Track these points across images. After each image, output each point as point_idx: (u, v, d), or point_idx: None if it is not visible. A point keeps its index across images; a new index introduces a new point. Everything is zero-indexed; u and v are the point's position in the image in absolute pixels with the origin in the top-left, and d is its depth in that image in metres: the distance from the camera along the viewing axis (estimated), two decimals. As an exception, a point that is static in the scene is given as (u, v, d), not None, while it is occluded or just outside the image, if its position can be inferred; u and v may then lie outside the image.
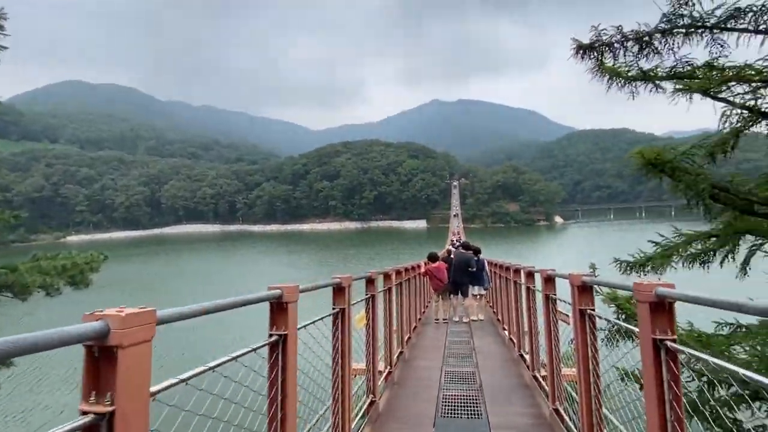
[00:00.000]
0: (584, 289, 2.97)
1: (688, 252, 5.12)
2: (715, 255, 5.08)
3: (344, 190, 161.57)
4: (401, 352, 6.41)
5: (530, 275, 5.42)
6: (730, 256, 5.04)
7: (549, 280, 4.32)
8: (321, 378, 3.05)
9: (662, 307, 1.85)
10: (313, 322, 2.65)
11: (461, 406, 4.52)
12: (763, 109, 4.58)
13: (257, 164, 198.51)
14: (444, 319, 9.85)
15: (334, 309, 3.27)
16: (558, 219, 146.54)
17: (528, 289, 5.68)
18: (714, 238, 5.04)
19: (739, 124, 4.65)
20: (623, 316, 5.09)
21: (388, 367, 5.38)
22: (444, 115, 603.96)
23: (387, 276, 5.69)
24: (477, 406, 4.49)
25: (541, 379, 4.83)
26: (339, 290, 3.34)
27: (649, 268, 5.29)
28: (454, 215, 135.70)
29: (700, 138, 5.05)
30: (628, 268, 5.47)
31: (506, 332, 7.80)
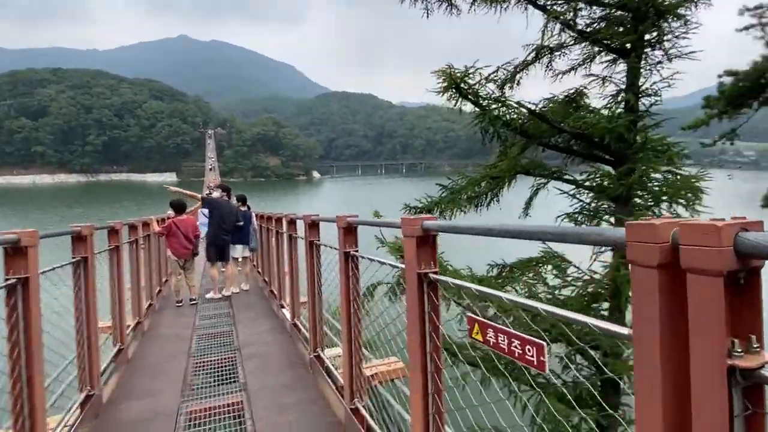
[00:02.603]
0: (349, 231, 2.89)
1: (469, 194, 4.90)
2: (487, 197, 4.92)
3: (57, 132, 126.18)
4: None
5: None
6: (494, 199, 4.96)
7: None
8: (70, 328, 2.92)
9: (426, 241, 1.80)
10: (53, 269, 2.56)
11: None
12: (579, 28, 4.43)
13: None
14: (192, 300, 7.02)
15: (74, 258, 3.10)
16: (316, 174, 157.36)
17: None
18: (494, 180, 4.86)
19: (552, 43, 4.61)
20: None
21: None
22: (195, 55, 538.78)
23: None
24: None
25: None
26: (79, 239, 3.16)
27: (437, 212, 4.94)
28: (210, 168, 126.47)
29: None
30: (418, 213, 5.01)
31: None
